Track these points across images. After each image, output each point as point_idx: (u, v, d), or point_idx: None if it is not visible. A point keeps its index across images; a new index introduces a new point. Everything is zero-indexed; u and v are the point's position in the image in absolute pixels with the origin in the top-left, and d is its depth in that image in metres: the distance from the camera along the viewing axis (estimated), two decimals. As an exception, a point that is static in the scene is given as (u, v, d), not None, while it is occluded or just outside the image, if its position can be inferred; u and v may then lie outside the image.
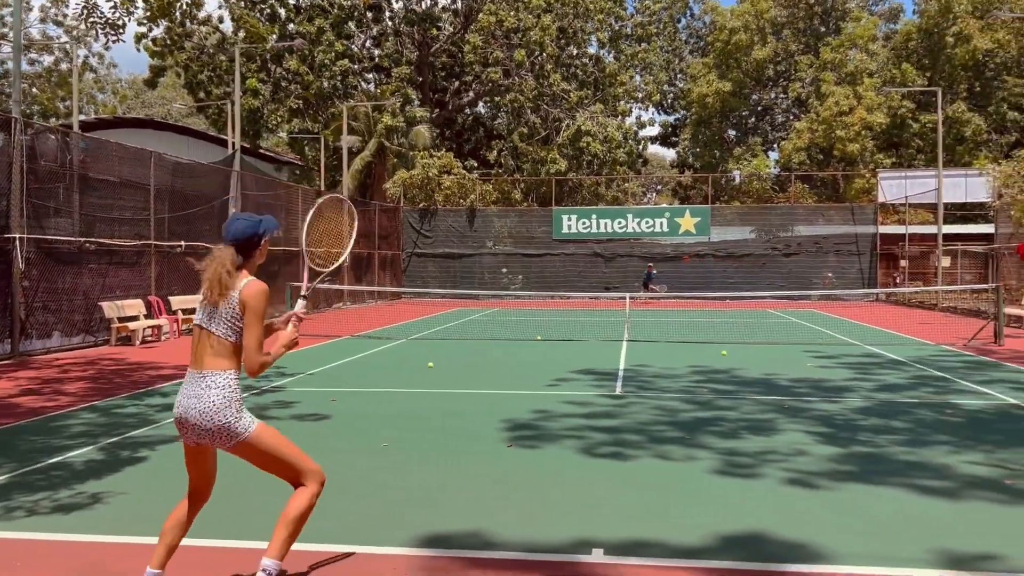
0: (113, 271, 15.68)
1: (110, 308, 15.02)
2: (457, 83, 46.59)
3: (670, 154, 65.76)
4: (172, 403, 8.83)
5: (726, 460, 6.48)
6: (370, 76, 45.66)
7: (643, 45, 46.62)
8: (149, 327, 15.72)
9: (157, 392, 9.78)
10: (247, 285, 3.62)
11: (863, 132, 41.11)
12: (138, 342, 15.13)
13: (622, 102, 45.10)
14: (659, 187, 70.29)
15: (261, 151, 41.51)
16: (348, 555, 4.40)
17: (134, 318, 15.61)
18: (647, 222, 34.39)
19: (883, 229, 33.17)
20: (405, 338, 16.73)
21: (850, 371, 11.64)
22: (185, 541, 4.00)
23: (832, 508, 5.26)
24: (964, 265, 31.43)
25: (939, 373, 11.38)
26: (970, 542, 4.59)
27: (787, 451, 6.77)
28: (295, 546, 4.60)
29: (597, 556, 4.41)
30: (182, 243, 17.91)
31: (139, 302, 16.01)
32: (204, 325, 3.62)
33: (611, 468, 6.29)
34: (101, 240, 15.31)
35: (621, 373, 11.45)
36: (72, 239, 14.57)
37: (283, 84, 40.54)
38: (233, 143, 25.83)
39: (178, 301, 17.40)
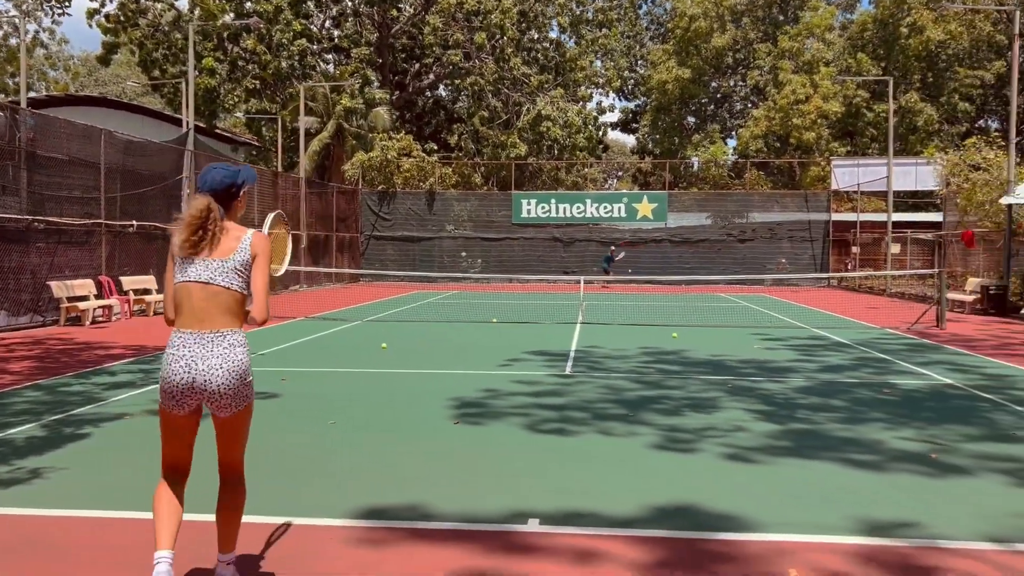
0: (62, 250, 15.42)
1: (59, 288, 14.79)
2: (417, 65, 46.31)
3: (631, 140, 66.14)
4: (119, 382, 8.81)
5: (666, 436, 6.64)
6: (329, 57, 45.19)
7: (604, 31, 46.71)
8: (100, 307, 15.50)
9: (104, 371, 9.69)
10: (256, 235, 3.45)
11: (819, 120, 41.73)
12: (88, 322, 14.92)
13: (582, 87, 45.23)
14: (619, 173, 70.69)
15: (217, 131, 40.88)
16: (285, 526, 4.45)
17: (84, 298, 15.38)
18: (605, 207, 34.62)
19: (836, 216, 33.79)
20: (361, 320, 16.72)
21: (795, 353, 11.92)
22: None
23: (764, 481, 5.43)
24: (913, 252, 32.17)
25: (880, 355, 11.71)
26: (891, 511, 4.78)
27: (726, 428, 6.95)
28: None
29: (532, 526, 4.52)
30: (134, 223, 17.66)
31: (89, 282, 15.77)
32: (212, 280, 3.33)
33: (554, 443, 6.41)
34: (50, 219, 15.04)
35: (572, 354, 11.59)
36: (20, 217, 14.30)
37: (240, 64, 39.94)
38: (187, 122, 25.44)
39: (129, 281, 17.16)
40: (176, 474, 3.52)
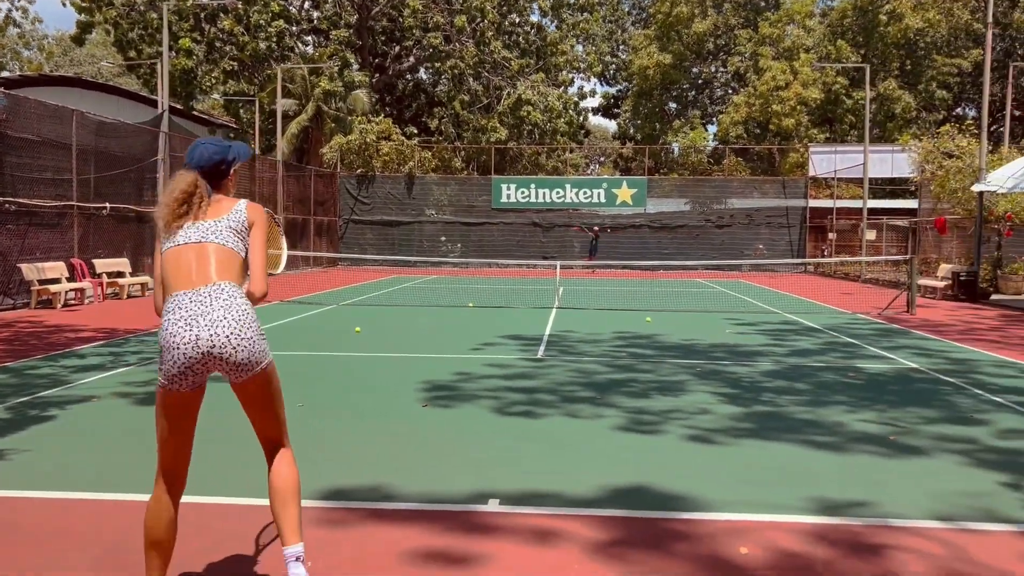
0: (33, 232, 15.28)
1: (29, 270, 14.66)
2: (397, 48, 46.00)
3: (612, 126, 66.11)
4: (88, 365, 8.77)
5: (632, 418, 6.71)
6: (308, 39, 44.79)
7: (585, 15, 46.60)
8: (72, 290, 15.38)
9: (74, 354, 9.64)
10: (250, 204, 3.26)
11: (799, 107, 41.91)
12: (60, 305, 14.80)
13: (564, 72, 45.13)
14: (601, 158, 70.72)
15: (194, 113, 40.48)
16: (245, 508, 4.48)
17: (55, 281, 15.26)
18: (585, 193, 34.67)
19: (813, 203, 34.03)
20: (336, 304, 16.69)
21: (766, 337, 12.04)
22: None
23: (723, 462, 5.51)
24: (889, 238, 32.47)
25: (849, 339, 11.86)
26: (846, 491, 4.87)
27: (691, 410, 7.03)
28: (201, 499, 4.69)
29: (492, 506, 4.57)
30: (107, 205, 17.51)
31: (61, 264, 15.64)
32: (203, 239, 3.07)
33: (520, 425, 6.46)
34: (20, 200, 14.88)
35: (546, 338, 11.66)
36: (-12, 199, 14.15)
37: (217, 45, 39.51)
38: (162, 103, 25.18)
39: (103, 264, 17.03)
40: (174, 476, 3.14)
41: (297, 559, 3.03)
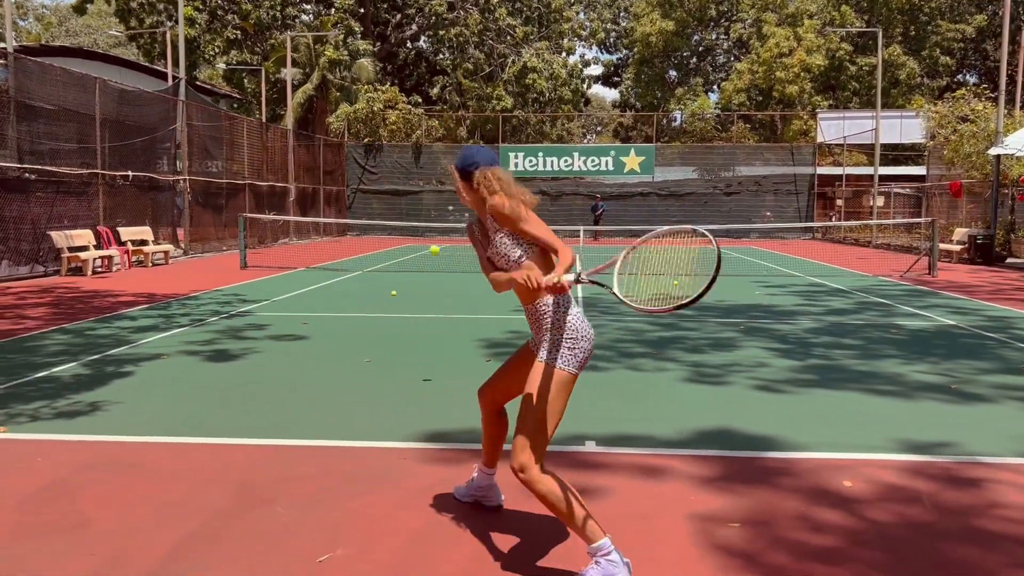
0: (61, 200, 15.31)
1: (59, 238, 14.71)
2: (399, 16, 45.65)
3: (611, 95, 65.91)
4: (143, 326, 8.90)
5: (694, 371, 6.87)
6: (309, 7, 44.37)
7: (589, -19, 46.22)
8: (100, 258, 15.45)
9: (124, 316, 9.75)
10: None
11: (802, 74, 41.81)
12: (89, 272, 14.88)
13: (566, 39, 44.86)
14: (599, 128, 70.45)
15: (197, 83, 40.21)
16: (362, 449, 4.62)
17: (84, 248, 15.32)
18: (593, 161, 34.66)
19: (820, 170, 34.09)
20: (361, 270, 16.79)
21: (798, 298, 12.20)
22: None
23: (797, 408, 5.68)
24: (896, 205, 32.58)
25: (881, 300, 12.02)
26: (926, 433, 5.05)
27: (749, 363, 7.19)
28: (320, 443, 4.86)
29: (591, 447, 4.74)
30: (129, 173, 17.52)
31: (88, 232, 15.69)
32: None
33: (589, 378, 6.60)
34: (49, 168, 14.89)
35: (581, 300, 11.79)
36: (15, 166, 14.14)
37: (219, 14, 39.17)
38: (175, 75, 25.06)
39: (127, 232, 17.08)
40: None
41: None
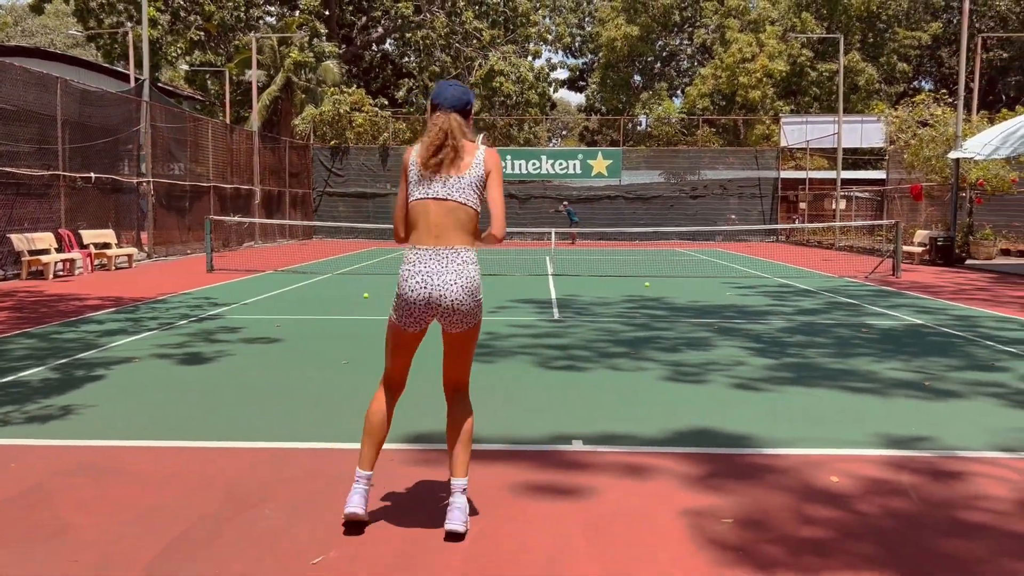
0: (20, 203, 14.96)
1: (20, 241, 14.38)
2: (365, 18, 45.44)
3: (576, 99, 66.17)
4: (111, 330, 8.71)
5: (673, 370, 6.91)
6: (273, 9, 43.97)
7: (554, -15, 46.41)
8: (61, 261, 15.13)
9: (91, 320, 9.55)
10: (488, 151, 3.45)
11: (764, 79, 42.36)
12: (51, 276, 14.56)
13: (532, 43, 44.97)
14: (564, 132, 70.67)
15: (160, 84, 39.60)
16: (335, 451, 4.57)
17: (45, 251, 14.99)
18: (560, 164, 34.76)
19: (784, 174, 34.54)
20: (331, 273, 16.65)
21: (768, 299, 12.34)
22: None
23: (777, 405, 5.73)
24: (858, 208, 33.13)
25: (848, 300, 12.20)
26: (906, 429, 5.12)
27: (727, 362, 7.25)
28: (301, 445, 4.79)
29: (577, 446, 4.73)
30: (91, 175, 17.19)
31: (49, 235, 15.36)
32: (449, 196, 3.35)
33: (568, 377, 6.62)
34: (5, 169, 14.55)
35: (555, 301, 11.81)
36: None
37: (182, 15, 38.62)
38: (138, 76, 24.68)
39: (89, 235, 16.74)
40: (395, 385, 3.65)
41: (463, 491, 3.45)
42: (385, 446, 4.65)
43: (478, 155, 3.42)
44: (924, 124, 23.37)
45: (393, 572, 3.11)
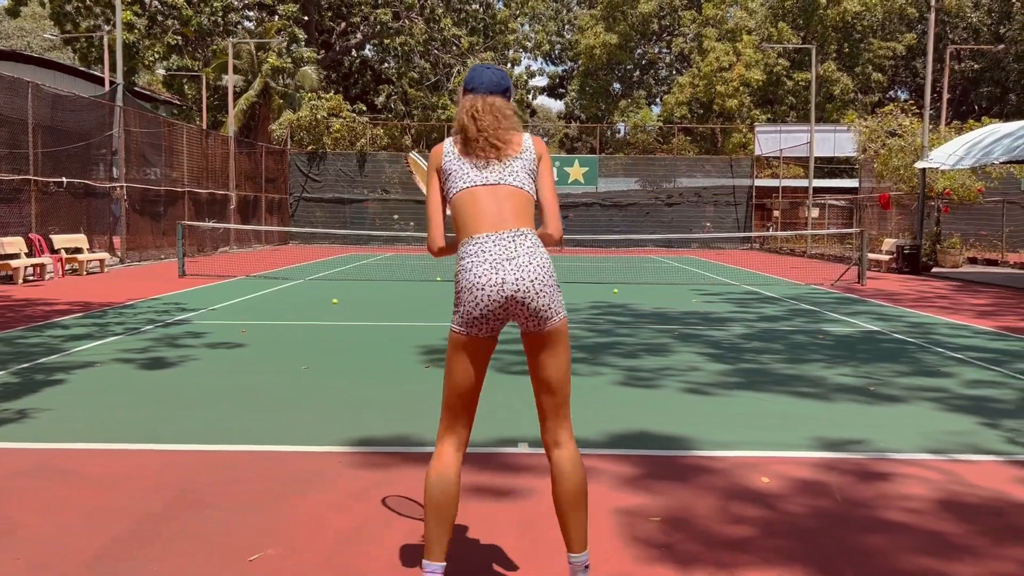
0: (-10, 207, 14.95)
1: (-11, 245, 14.37)
2: (344, 24, 45.50)
3: (557, 106, 66.48)
4: (76, 335, 8.76)
5: (628, 375, 7.06)
6: (252, 14, 43.94)
7: (533, -7, 46.72)
8: (32, 266, 15.10)
9: (57, 325, 9.59)
10: (535, 138, 3.00)
11: (741, 88, 42.80)
12: (21, 280, 14.53)
13: (512, 51, 45.22)
14: (545, 139, 71.07)
15: (136, 89, 39.46)
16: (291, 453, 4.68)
17: (14, 256, 14.96)
18: (537, 170, 34.88)
19: (758, 182, 34.93)
20: (303, 279, 16.71)
21: (732, 305, 12.54)
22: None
23: (723, 409, 5.90)
24: (831, 216, 33.57)
25: (810, 307, 12.43)
26: (842, 432, 5.30)
27: (682, 367, 7.41)
28: (243, 448, 4.89)
29: (523, 448, 4.87)
30: (63, 180, 17.16)
31: (19, 239, 15.33)
32: (501, 180, 2.84)
33: (524, 382, 6.69)
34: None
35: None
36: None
37: (159, 19, 38.52)
38: (112, 80, 24.61)
39: (61, 240, 16.72)
40: (460, 424, 2.93)
41: (585, 567, 2.83)
42: (331, 448, 4.79)
43: (526, 139, 2.96)
44: (893, 134, 23.74)
45: (323, 569, 3.22)
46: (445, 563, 2.74)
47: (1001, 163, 17.93)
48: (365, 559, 3.32)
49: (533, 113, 57.91)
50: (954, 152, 18.21)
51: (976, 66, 48.04)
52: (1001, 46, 41.03)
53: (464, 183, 2.86)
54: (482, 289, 2.71)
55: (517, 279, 2.70)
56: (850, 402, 6.16)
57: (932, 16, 20.07)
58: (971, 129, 21.89)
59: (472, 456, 4.68)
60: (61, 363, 7.25)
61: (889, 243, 21.73)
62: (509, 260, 2.72)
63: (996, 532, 3.66)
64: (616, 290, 14.61)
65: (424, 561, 2.74)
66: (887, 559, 3.36)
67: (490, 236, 2.77)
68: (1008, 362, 7.89)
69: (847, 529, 3.68)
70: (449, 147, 2.95)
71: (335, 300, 12.47)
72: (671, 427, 5.38)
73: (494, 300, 2.71)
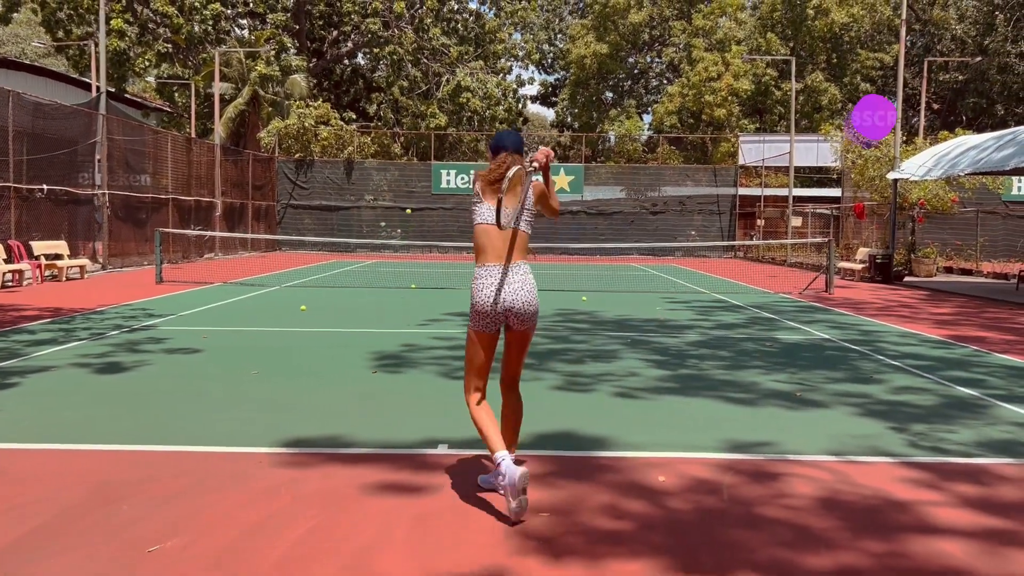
0: (-31, 213, 15.16)
1: (-33, 251, 14.57)
2: (335, 32, 45.82)
3: (551, 114, 66.73)
4: (40, 340, 8.98)
5: (567, 380, 7.30)
6: (243, 22, 44.25)
7: (523, 3, 47.05)
8: (10, 272, 15.32)
9: (23, 330, 9.81)
10: (534, 183, 4.25)
11: (730, 98, 43.17)
12: (-2, 287, 14.76)
13: (502, 59, 45.55)
14: (538, 147, 71.27)
15: (127, 96, 39.76)
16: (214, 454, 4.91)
17: (-7, 262, 15.18)
18: (523, 179, 35.17)
19: (742, 191, 35.24)
20: (278, 285, 16.94)
21: (694, 313, 12.79)
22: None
23: (647, 413, 6.13)
24: (814, 225, 33.85)
25: (771, 315, 12.67)
26: (754, 434, 5.53)
27: (621, 373, 7.65)
28: (156, 448, 5.11)
29: (442, 449, 5.10)
30: (44, 187, 17.39)
31: (-2, 246, 15.56)
32: (516, 225, 4.16)
33: (457, 386, 6.96)
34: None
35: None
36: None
37: (151, 27, 38.84)
38: (98, 87, 24.85)
39: (41, 247, 16.94)
40: (481, 383, 4.27)
41: (513, 461, 4.03)
42: (258, 449, 5.02)
43: (528, 186, 4.21)
44: (868, 145, 24.03)
45: (216, 560, 3.45)
46: (506, 450, 4.00)
47: (966, 175, 18.22)
48: (260, 551, 3.54)
49: (525, 121, 58.21)
50: (924, 163, 18.50)
51: (961, 77, 48.43)
52: (979, 58, 41.38)
53: (484, 218, 4.20)
54: (487, 306, 4.14)
55: (514, 303, 4.13)
56: (773, 407, 6.39)
57: (903, 31, 20.37)
58: (943, 140, 22.19)
59: (393, 456, 4.94)
60: (17, 367, 7.47)
61: (862, 252, 22.00)
62: (515, 285, 4.14)
63: (860, 528, 3.89)
64: (584, 298, 14.85)
65: (496, 454, 3.96)
66: (745, 551, 3.60)
67: (497, 267, 4.16)
68: (940, 369, 8.14)
69: (720, 524, 3.91)
70: (484, 187, 4.22)
71: (303, 307, 12.69)
72: (593, 429, 5.61)
73: (496, 313, 4.15)
